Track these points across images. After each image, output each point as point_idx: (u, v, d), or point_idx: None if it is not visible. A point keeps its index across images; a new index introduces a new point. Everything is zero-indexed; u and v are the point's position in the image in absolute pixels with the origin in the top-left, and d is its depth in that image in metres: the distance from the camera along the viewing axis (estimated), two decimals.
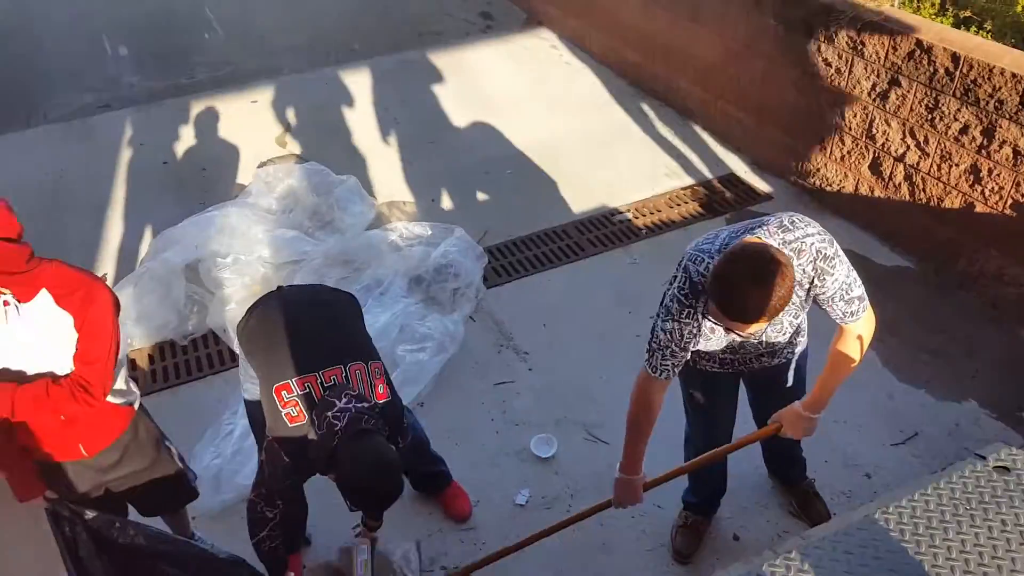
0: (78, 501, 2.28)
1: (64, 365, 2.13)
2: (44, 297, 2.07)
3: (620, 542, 2.91)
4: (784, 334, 2.25)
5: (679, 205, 4.66)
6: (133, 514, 2.57)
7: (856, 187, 4.29)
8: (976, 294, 3.83)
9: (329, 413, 2.09)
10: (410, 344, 3.57)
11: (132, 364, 3.67)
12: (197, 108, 5.75)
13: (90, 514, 2.16)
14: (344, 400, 2.12)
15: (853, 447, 3.23)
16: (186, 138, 5.41)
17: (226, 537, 2.80)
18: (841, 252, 2.06)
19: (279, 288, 2.58)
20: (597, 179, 4.89)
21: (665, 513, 2.99)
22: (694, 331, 2.09)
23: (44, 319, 2.07)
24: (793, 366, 2.48)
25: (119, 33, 7.06)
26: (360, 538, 2.60)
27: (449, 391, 3.52)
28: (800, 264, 2.00)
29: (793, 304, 2.09)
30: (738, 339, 2.17)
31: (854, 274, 2.08)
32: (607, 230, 4.49)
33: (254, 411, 2.45)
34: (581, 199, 4.74)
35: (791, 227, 2.01)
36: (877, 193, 4.20)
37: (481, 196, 4.81)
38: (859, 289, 2.08)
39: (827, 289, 2.05)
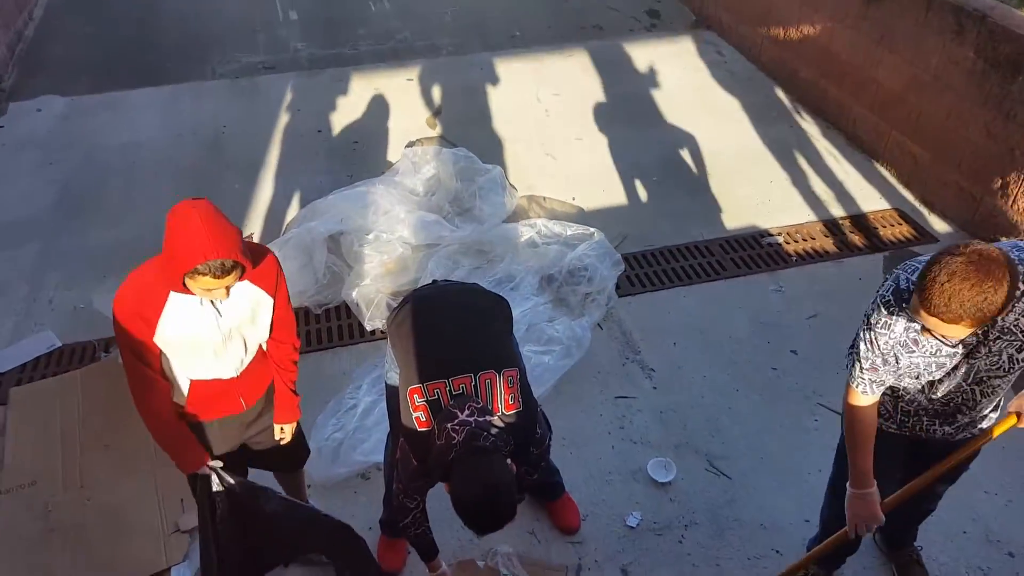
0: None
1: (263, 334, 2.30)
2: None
3: None
4: (988, 384, 2.02)
5: (835, 235, 4.36)
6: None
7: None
8: None
9: (449, 424, 2.04)
10: (536, 345, 3.50)
11: None
12: (355, 80, 5.89)
13: (235, 485, 2.34)
14: (466, 412, 2.05)
15: (999, 522, 2.95)
16: (342, 108, 5.55)
17: (338, 508, 2.88)
18: None
19: (434, 282, 2.59)
20: (749, 196, 4.66)
21: (784, 560, 2.81)
22: (890, 342, 1.97)
23: (246, 300, 2.18)
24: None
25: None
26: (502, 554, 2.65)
27: (568, 397, 3.43)
28: None
29: (1019, 335, 1.89)
30: (941, 359, 1.97)
31: None
32: (753, 252, 4.26)
33: (393, 398, 2.44)
34: (729, 215, 4.52)
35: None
36: None
37: (624, 200, 4.68)
38: None
39: None
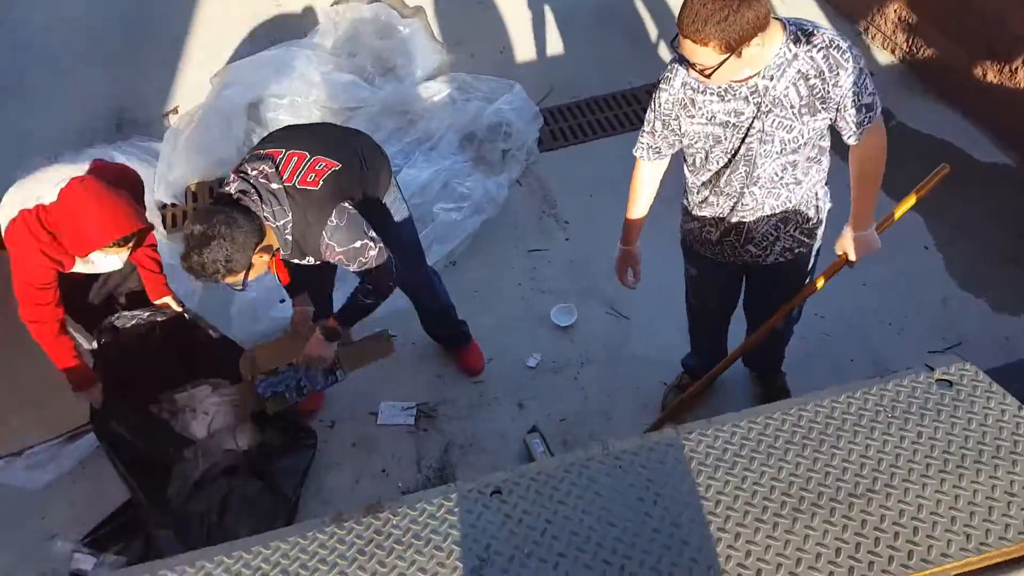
0: None
1: None
2: None
3: (620, 410, 2.98)
4: (765, 181, 2.07)
5: None
6: None
7: (968, 67, 3.79)
8: None
9: (232, 174, 2.27)
10: (447, 202, 3.57)
11: (193, 196, 3.88)
12: None
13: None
14: (254, 172, 2.25)
15: (888, 349, 3.09)
16: None
17: None
18: (858, 52, 1.91)
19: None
20: None
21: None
22: (670, 99, 2.05)
23: None
24: (793, 271, 2.38)
25: None
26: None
27: (483, 252, 3.55)
28: (809, 51, 1.87)
29: (790, 110, 1.92)
30: (715, 128, 2.02)
31: (869, 78, 1.92)
32: None
33: None
34: (662, 60, 4.43)
35: (809, 23, 1.92)
36: (991, 78, 3.72)
37: (554, 49, 4.58)
38: (872, 97, 1.94)
39: (842, 86, 1.89)
